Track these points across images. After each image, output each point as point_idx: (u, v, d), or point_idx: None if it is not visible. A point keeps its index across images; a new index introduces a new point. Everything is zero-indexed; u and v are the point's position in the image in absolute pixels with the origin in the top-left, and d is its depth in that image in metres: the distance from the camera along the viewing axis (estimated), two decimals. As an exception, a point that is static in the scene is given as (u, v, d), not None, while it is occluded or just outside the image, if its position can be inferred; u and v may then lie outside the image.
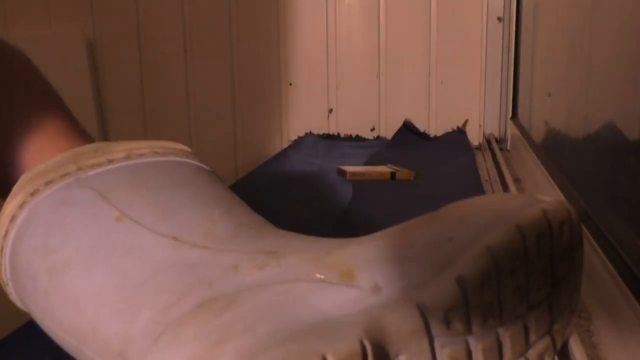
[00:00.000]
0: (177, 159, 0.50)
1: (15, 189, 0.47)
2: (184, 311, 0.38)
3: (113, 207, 0.43)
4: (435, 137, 1.43)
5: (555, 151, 0.95)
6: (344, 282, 0.37)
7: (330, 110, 1.47)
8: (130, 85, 1.50)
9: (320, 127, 1.48)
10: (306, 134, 1.48)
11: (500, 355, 0.39)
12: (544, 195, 0.45)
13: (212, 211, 0.45)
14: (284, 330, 0.35)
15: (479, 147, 1.40)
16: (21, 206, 0.45)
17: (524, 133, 1.21)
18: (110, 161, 0.47)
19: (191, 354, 0.35)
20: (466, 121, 1.44)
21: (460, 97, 1.43)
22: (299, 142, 1.42)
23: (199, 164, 0.52)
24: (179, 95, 1.50)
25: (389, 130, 1.46)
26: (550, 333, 0.42)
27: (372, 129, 1.47)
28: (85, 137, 0.50)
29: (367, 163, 1.19)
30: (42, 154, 0.48)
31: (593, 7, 0.74)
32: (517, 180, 1.08)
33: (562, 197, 0.77)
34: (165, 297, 0.39)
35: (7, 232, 0.45)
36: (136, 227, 0.42)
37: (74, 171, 0.46)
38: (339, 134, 1.48)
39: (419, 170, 1.08)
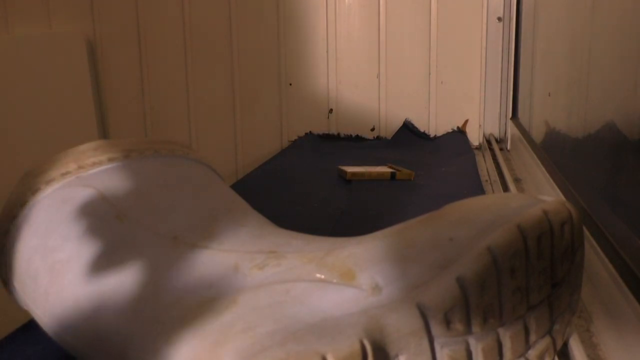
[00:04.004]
0: (178, 157, 0.50)
1: (16, 187, 0.47)
2: (184, 311, 0.38)
3: (113, 207, 0.43)
4: (435, 137, 1.43)
5: (555, 151, 0.95)
6: (344, 282, 0.37)
7: (330, 110, 1.47)
8: (130, 85, 1.50)
9: (320, 127, 1.48)
10: (306, 134, 1.48)
11: (501, 355, 0.39)
12: (544, 195, 0.45)
13: (213, 211, 0.45)
14: (284, 330, 0.35)
15: (479, 147, 1.40)
16: (22, 205, 0.45)
17: (524, 133, 1.21)
18: (111, 160, 0.47)
19: (191, 354, 0.35)
20: (466, 121, 1.44)
21: (460, 97, 1.43)
22: (299, 142, 1.41)
23: (200, 161, 0.52)
24: (179, 95, 1.50)
25: (389, 130, 1.46)
26: (551, 333, 0.42)
27: (372, 129, 1.47)
28: None
29: (367, 163, 1.19)
30: None
31: (593, 7, 0.73)
32: (517, 180, 1.08)
33: (563, 197, 0.77)
34: (165, 297, 0.39)
35: (7, 230, 0.46)
36: (136, 227, 0.42)
37: (74, 170, 0.46)
38: (339, 134, 1.48)
39: (419, 170, 1.08)
